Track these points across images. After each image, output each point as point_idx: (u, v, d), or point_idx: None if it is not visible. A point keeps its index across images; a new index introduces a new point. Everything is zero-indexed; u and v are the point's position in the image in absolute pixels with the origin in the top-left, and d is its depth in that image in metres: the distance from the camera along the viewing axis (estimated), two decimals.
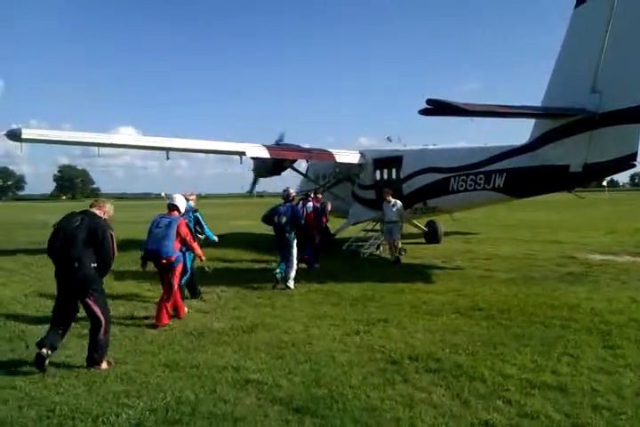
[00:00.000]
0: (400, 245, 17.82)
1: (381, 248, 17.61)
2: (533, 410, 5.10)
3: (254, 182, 23.77)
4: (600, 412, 5.07)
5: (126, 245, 20.47)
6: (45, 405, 5.41)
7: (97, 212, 6.98)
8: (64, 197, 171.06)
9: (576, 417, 4.96)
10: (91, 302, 6.69)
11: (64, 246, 6.60)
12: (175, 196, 9.52)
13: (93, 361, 6.59)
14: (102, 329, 6.70)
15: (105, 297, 6.96)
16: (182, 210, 9.52)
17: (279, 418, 5.06)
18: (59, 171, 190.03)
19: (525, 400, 5.35)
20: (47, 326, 8.19)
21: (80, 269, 6.53)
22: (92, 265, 6.62)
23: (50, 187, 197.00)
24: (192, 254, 9.69)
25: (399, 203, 15.09)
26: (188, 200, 9.84)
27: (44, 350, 6.36)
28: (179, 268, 9.04)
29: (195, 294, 10.59)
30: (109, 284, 11.99)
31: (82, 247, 6.56)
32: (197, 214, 10.58)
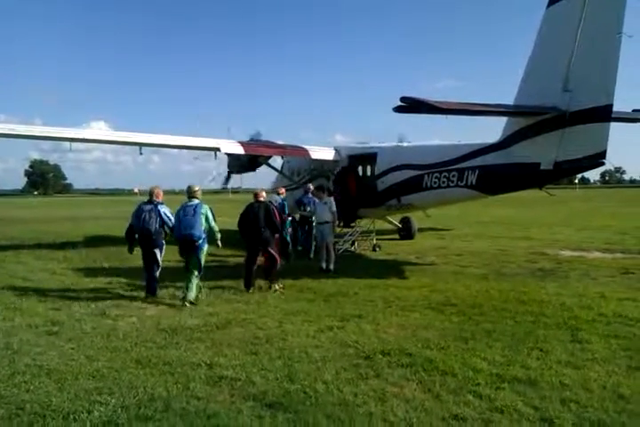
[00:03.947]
0: (375, 241, 17.99)
1: (356, 244, 17.67)
2: (503, 404, 5.18)
3: (228, 178, 23.29)
4: (568, 405, 5.18)
5: (99, 241, 20.37)
6: (15, 403, 5.35)
7: (261, 199, 11.60)
8: (35, 193, 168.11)
9: (544, 410, 5.06)
10: (271, 250, 11.39)
11: (253, 220, 11.15)
12: (274, 195, 14.95)
13: (272, 280, 11.28)
14: (277, 263, 11.51)
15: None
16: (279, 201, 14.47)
17: (252, 414, 5.07)
18: (30, 166, 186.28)
19: (495, 394, 5.44)
20: (18, 322, 8.27)
21: (263, 232, 11.13)
22: (269, 230, 11.19)
23: (21, 182, 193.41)
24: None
25: (332, 201, 13.92)
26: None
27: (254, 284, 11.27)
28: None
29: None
30: (81, 280, 11.96)
31: (262, 220, 11.12)
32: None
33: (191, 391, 5.63)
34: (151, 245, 10.63)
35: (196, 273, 10.13)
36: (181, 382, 5.88)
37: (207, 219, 10.14)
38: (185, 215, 10.07)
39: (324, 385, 5.75)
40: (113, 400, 5.38)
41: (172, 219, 10.54)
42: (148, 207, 10.71)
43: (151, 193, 11.00)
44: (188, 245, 10.06)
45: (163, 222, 10.60)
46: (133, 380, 5.99)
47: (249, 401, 5.37)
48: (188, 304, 9.69)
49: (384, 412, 5.07)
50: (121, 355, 6.89)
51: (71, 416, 5.02)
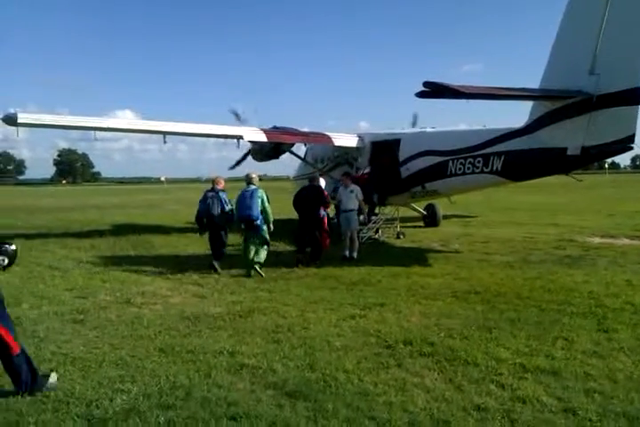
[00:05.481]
0: (399, 229, 17.89)
1: (380, 232, 17.58)
2: (525, 394, 5.11)
3: (240, 161, 23.32)
4: (592, 396, 5.08)
5: (126, 229, 20.56)
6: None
7: (315, 183, 13.37)
8: (64, 182, 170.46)
9: (568, 401, 4.97)
10: (317, 232, 12.75)
11: (305, 203, 12.84)
12: (321, 179, 14.77)
13: (316, 259, 12.71)
14: (321, 247, 12.90)
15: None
16: (323, 186, 14.46)
17: (272, 402, 5.07)
18: (58, 155, 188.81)
19: (518, 384, 5.37)
20: (44, 310, 8.40)
21: (314, 214, 12.75)
22: (321, 212, 12.90)
23: (50, 171, 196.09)
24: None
25: (358, 189, 13.90)
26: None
27: (303, 260, 12.54)
28: (325, 219, 13.46)
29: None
30: (107, 268, 12.10)
31: (312, 202, 12.77)
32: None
33: (212, 379, 5.66)
34: (216, 227, 12.29)
35: (266, 247, 11.80)
36: (203, 371, 5.91)
37: (262, 202, 11.49)
38: (244, 198, 11.57)
39: (345, 374, 5.73)
40: (135, 388, 5.43)
41: (229, 203, 12.27)
42: (211, 194, 12.34)
43: (213, 181, 12.69)
44: (248, 225, 11.60)
45: (223, 206, 12.18)
46: (156, 368, 6.03)
47: (269, 390, 5.38)
48: (258, 268, 11.39)
49: (404, 402, 5.03)
50: (144, 343, 6.95)
51: (94, 404, 5.08)
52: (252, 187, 11.72)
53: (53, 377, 5.53)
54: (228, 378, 5.71)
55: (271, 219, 11.73)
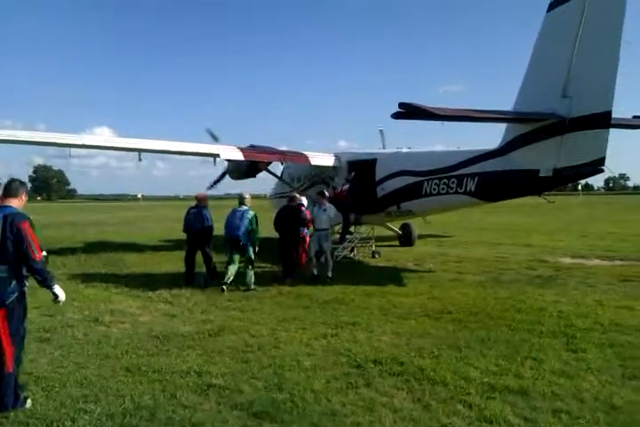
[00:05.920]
0: (374, 248, 17.90)
1: (355, 251, 17.57)
2: (492, 414, 5.10)
3: (218, 180, 23.19)
4: (559, 416, 5.09)
5: (98, 247, 20.33)
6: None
7: (293, 203, 13.45)
8: (39, 198, 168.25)
9: (534, 421, 4.98)
10: (293, 248, 13.00)
11: (284, 222, 12.93)
12: (303, 198, 14.44)
13: (289, 275, 12.88)
14: (301, 257, 13.48)
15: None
16: (305, 205, 14.18)
17: (238, 423, 5.00)
18: (33, 171, 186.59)
19: (485, 404, 5.36)
20: None
21: (293, 232, 12.99)
22: (304, 230, 13.36)
23: None
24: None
25: (333, 208, 13.83)
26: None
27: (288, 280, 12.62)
28: (307, 238, 13.79)
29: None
30: (76, 287, 11.89)
31: (292, 222, 12.94)
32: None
33: (178, 400, 5.56)
34: (196, 242, 12.66)
35: (250, 266, 11.94)
36: (169, 391, 5.81)
37: (251, 223, 11.75)
38: (234, 218, 11.82)
39: (313, 394, 5.67)
40: (98, 409, 5.31)
41: (210, 220, 12.55)
42: (194, 211, 12.74)
43: (197, 198, 13.10)
44: (234, 244, 11.83)
45: (203, 222, 12.45)
46: (121, 388, 5.92)
47: (235, 410, 5.30)
48: (251, 290, 11.67)
49: (372, 422, 5.00)
50: (111, 362, 6.82)
51: (55, 425, 4.96)
52: (244, 208, 11.99)
53: (29, 404, 5.43)
54: (194, 398, 5.62)
55: (257, 242, 12.08)
